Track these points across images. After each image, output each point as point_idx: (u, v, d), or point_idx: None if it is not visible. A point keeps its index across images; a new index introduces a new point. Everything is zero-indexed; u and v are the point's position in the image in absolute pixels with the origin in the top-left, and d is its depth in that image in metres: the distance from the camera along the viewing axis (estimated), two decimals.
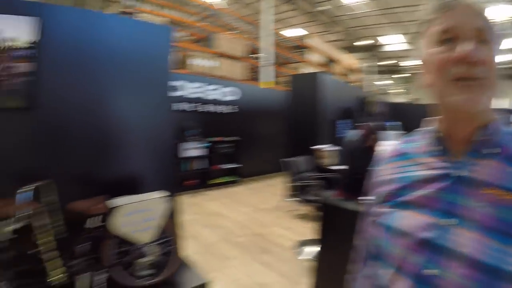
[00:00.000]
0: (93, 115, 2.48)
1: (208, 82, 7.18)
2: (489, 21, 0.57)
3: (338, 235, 2.36)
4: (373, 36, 15.80)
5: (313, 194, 4.06)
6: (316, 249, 2.54)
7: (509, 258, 0.49)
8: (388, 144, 0.81)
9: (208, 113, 7.11)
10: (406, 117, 5.42)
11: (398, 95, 24.29)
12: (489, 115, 0.61)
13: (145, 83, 2.75)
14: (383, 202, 0.68)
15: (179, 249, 2.68)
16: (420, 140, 0.69)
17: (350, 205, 2.30)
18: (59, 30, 2.27)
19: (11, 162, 2.09)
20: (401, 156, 0.70)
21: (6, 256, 1.67)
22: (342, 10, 13.22)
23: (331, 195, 2.61)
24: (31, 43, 2.02)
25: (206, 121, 6.95)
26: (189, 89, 6.73)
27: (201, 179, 6.93)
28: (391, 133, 3.03)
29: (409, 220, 0.60)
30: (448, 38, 0.57)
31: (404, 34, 14.48)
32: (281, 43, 11.73)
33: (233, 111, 7.61)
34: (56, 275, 1.83)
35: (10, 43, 1.92)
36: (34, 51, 2.04)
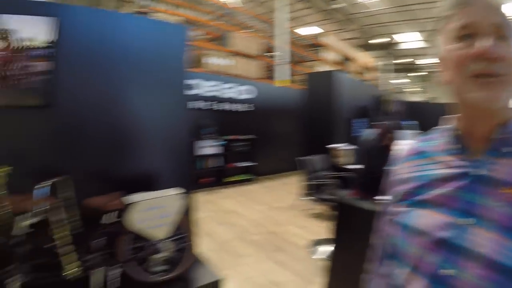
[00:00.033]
0: (109, 113, 2.53)
1: (224, 80, 7.21)
2: (507, 17, 0.56)
3: (352, 235, 2.33)
4: (389, 34, 15.58)
5: (329, 193, 4.03)
6: (331, 248, 2.51)
7: None
8: (405, 144, 0.79)
9: (224, 111, 7.14)
10: (423, 116, 5.32)
11: (414, 93, 23.91)
12: (509, 112, 0.59)
13: (161, 81, 2.78)
14: (400, 201, 0.67)
15: (193, 246, 2.70)
16: (438, 138, 0.68)
17: (365, 205, 2.27)
18: (76, 30, 2.32)
19: (29, 159, 2.14)
20: (419, 154, 0.69)
21: (22, 250, 1.72)
22: (357, 8, 13.08)
23: (346, 194, 2.58)
24: (48, 43, 2.07)
25: (222, 120, 6.99)
26: (204, 87, 6.78)
27: (217, 177, 6.99)
28: (408, 132, 2.97)
29: (426, 219, 0.59)
30: (466, 34, 0.56)
31: (420, 31, 14.22)
32: (296, 42, 11.68)
33: (248, 109, 7.63)
34: (71, 269, 1.88)
35: (28, 43, 1.97)
36: (51, 50, 2.09)
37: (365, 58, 14.38)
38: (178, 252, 2.56)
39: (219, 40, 9.01)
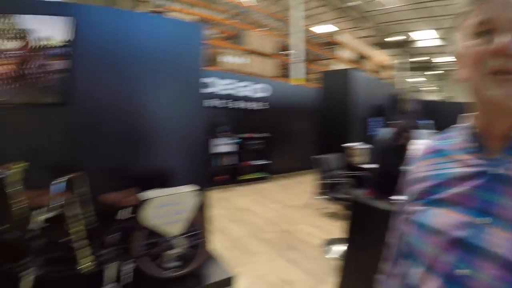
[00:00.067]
0: (125, 110, 2.57)
1: (239, 79, 7.23)
2: None
3: (366, 235, 2.30)
4: (405, 32, 15.29)
5: (343, 192, 3.99)
6: (344, 248, 2.49)
7: None
8: (421, 143, 0.78)
9: (239, 109, 7.17)
10: (439, 116, 5.19)
11: (430, 92, 23.40)
12: None
13: (177, 80, 2.81)
14: (416, 200, 0.66)
15: (206, 243, 2.73)
16: (456, 137, 0.67)
17: (380, 204, 2.24)
18: (92, 29, 2.37)
19: (46, 155, 2.21)
20: (436, 153, 0.68)
21: (37, 244, 1.78)
22: (372, 5, 12.89)
23: (361, 194, 2.55)
24: (65, 42, 2.12)
25: (237, 118, 7.02)
26: (220, 85, 6.82)
27: (231, 174, 7.03)
28: (424, 132, 2.92)
29: (442, 218, 0.58)
30: (484, 31, 0.54)
31: (436, 29, 13.91)
32: (311, 40, 11.60)
33: (263, 107, 7.62)
34: (86, 263, 1.93)
35: (45, 42, 2.03)
36: (68, 49, 2.15)
37: (380, 56, 14.19)
38: (191, 248, 2.59)
39: (234, 38, 9.04)
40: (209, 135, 6.34)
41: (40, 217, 1.76)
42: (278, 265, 3.18)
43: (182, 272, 2.49)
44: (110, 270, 2.09)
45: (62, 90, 2.17)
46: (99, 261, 2.02)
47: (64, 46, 2.10)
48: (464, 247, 0.53)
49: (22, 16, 1.93)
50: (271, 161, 7.56)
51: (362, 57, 12.54)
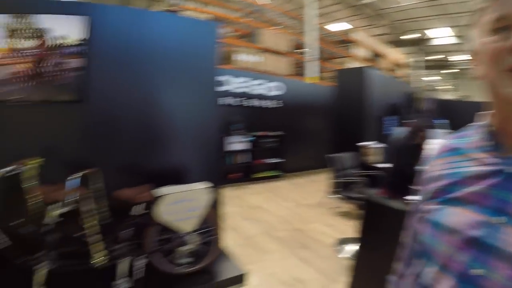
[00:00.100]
0: (140, 108, 2.61)
1: (253, 77, 7.25)
2: None
3: (379, 235, 2.27)
4: (420, 30, 15.01)
5: (357, 192, 3.95)
6: (357, 247, 2.47)
7: None
8: (436, 143, 0.77)
9: (253, 107, 7.18)
10: (455, 115, 5.08)
11: (446, 91, 22.91)
12: None
13: (192, 78, 2.84)
14: (432, 199, 0.66)
15: (219, 240, 2.75)
16: (472, 135, 0.66)
17: (394, 204, 2.21)
18: (107, 28, 2.41)
19: (62, 151, 2.26)
20: (453, 151, 0.67)
21: (52, 238, 1.83)
22: (387, 3, 12.71)
23: (374, 193, 2.52)
24: (81, 40, 2.17)
25: (251, 116, 7.04)
26: (234, 84, 6.85)
27: (245, 172, 7.05)
28: (439, 131, 2.86)
29: (458, 217, 0.57)
30: (501, 27, 0.53)
31: (452, 27, 13.62)
32: (326, 38, 11.51)
33: (277, 106, 7.61)
34: (99, 257, 1.97)
35: (61, 41, 2.08)
36: (84, 47, 2.19)
37: (396, 54, 13.99)
38: (203, 245, 2.62)
39: (248, 37, 9.05)
40: (224, 133, 6.37)
41: (55, 212, 1.81)
42: (290, 263, 3.18)
43: (194, 268, 2.51)
44: (123, 265, 2.12)
45: (78, 88, 2.22)
46: (112, 256, 2.06)
47: (79, 44, 2.15)
48: (479, 247, 0.52)
49: (39, 15, 1.98)
50: (284, 160, 7.55)
51: (377, 55, 12.38)
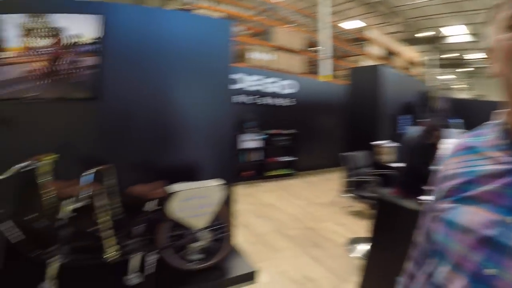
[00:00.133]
0: (154, 105, 2.65)
1: (267, 75, 7.24)
2: None
3: (391, 235, 2.25)
4: (435, 27, 14.69)
5: (370, 191, 3.91)
6: (368, 247, 2.45)
7: None
8: (451, 142, 0.76)
9: (266, 105, 7.19)
10: (470, 114, 4.96)
11: (461, 90, 22.40)
12: None
13: (206, 76, 2.86)
14: (446, 197, 0.65)
15: (230, 237, 2.77)
16: (488, 134, 0.65)
17: (407, 204, 2.18)
18: (121, 26, 2.45)
19: (76, 147, 2.31)
20: (468, 149, 0.66)
21: (65, 233, 1.87)
22: (402, 0, 12.50)
23: (387, 193, 2.49)
24: (95, 39, 2.22)
25: (264, 114, 7.04)
26: (248, 82, 6.87)
27: (258, 170, 7.06)
28: (453, 131, 2.81)
29: (472, 216, 0.56)
30: None
31: (467, 24, 13.29)
32: (340, 36, 11.40)
33: (290, 104, 7.59)
34: (111, 252, 2.01)
35: (76, 39, 2.13)
36: (98, 46, 2.24)
37: (410, 52, 13.78)
38: (215, 242, 2.64)
39: (262, 35, 9.04)
40: (237, 131, 6.39)
41: (68, 207, 1.85)
42: (301, 261, 3.18)
43: (205, 264, 2.54)
44: (135, 260, 2.16)
45: (93, 85, 2.27)
46: (124, 251, 2.10)
47: (94, 43, 2.20)
48: (493, 246, 0.51)
49: (54, 15, 2.03)
50: (297, 158, 7.53)
51: (391, 54, 12.22)
